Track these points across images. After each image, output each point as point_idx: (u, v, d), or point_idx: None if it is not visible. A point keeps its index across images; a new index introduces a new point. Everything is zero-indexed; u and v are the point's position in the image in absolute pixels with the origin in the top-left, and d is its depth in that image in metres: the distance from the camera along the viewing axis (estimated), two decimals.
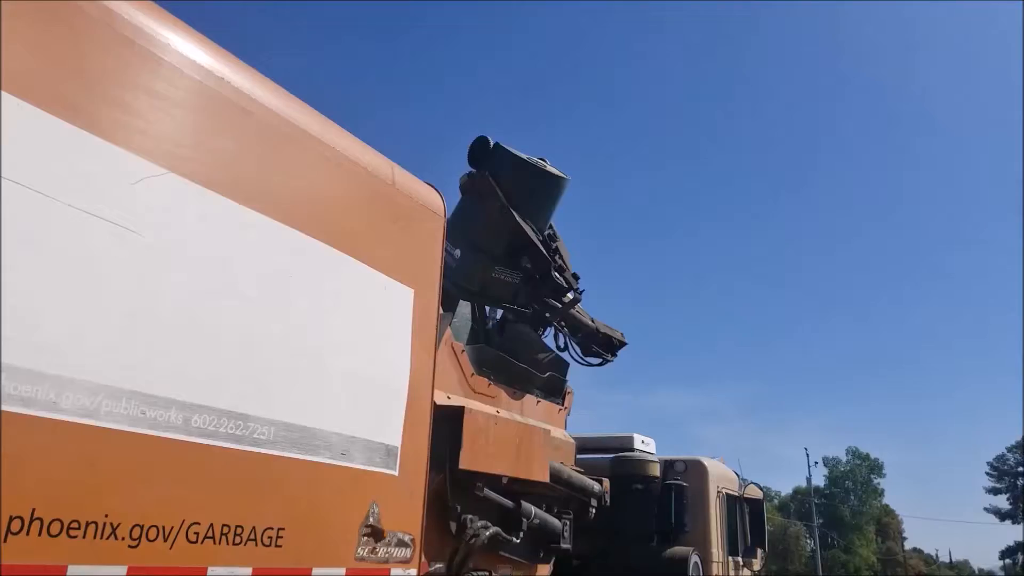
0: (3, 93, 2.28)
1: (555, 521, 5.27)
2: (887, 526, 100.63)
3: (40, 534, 2.24)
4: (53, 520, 2.27)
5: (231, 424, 2.80)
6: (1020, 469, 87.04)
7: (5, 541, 2.15)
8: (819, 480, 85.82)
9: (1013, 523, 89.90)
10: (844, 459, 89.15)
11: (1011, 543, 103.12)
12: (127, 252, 2.54)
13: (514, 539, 4.74)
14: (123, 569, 2.43)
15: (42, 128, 2.38)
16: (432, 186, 4.21)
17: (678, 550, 6.76)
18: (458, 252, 5.96)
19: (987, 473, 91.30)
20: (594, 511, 5.81)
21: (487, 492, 4.49)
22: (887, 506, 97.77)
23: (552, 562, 5.46)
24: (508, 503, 4.72)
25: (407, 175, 4.00)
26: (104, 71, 2.60)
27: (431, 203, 4.10)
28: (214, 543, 2.70)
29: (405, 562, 3.59)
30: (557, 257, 6.04)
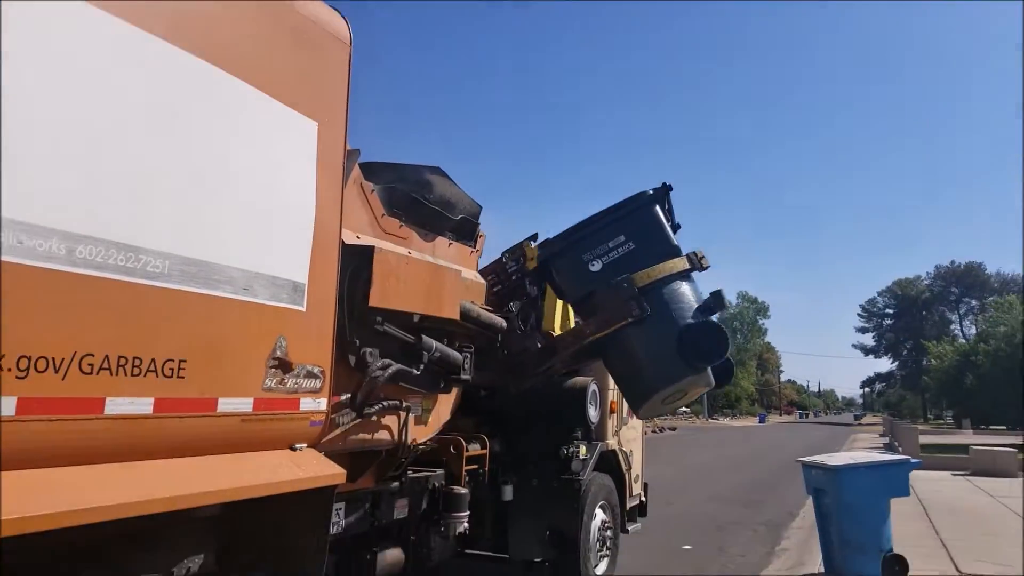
0: None
1: (455, 354, 5.24)
2: (767, 361, 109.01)
3: None
4: None
5: (121, 256, 2.60)
6: (887, 311, 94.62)
7: None
8: None
9: (875, 358, 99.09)
10: (735, 302, 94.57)
11: (871, 375, 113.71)
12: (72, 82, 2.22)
13: (414, 371, 4.73)
14: (12, 400, 2.29)
15: None
16: (337, 11, 3.85)
17: (578, 380, 7.03)
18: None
19: (858, 314, 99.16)
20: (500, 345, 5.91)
21: (387, 327, 4.44)
22: (769, 343, 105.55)
23: (457, 393, 5.56)
24: (409, 338, 4.65)
25: None
26: None
27: (336, 30, 3.75)
28: (111, 374, 2.58)
29: (315, 392, 3.57)
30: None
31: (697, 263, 5.66)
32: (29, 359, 2.33)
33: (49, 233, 2.37)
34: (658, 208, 5.79)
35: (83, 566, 2.74)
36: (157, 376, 2.74)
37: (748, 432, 50.34)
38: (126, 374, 2.63)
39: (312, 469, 3.44)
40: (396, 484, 5.14)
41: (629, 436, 8.14)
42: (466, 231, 5.73)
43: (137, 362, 2.67)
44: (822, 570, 8.02)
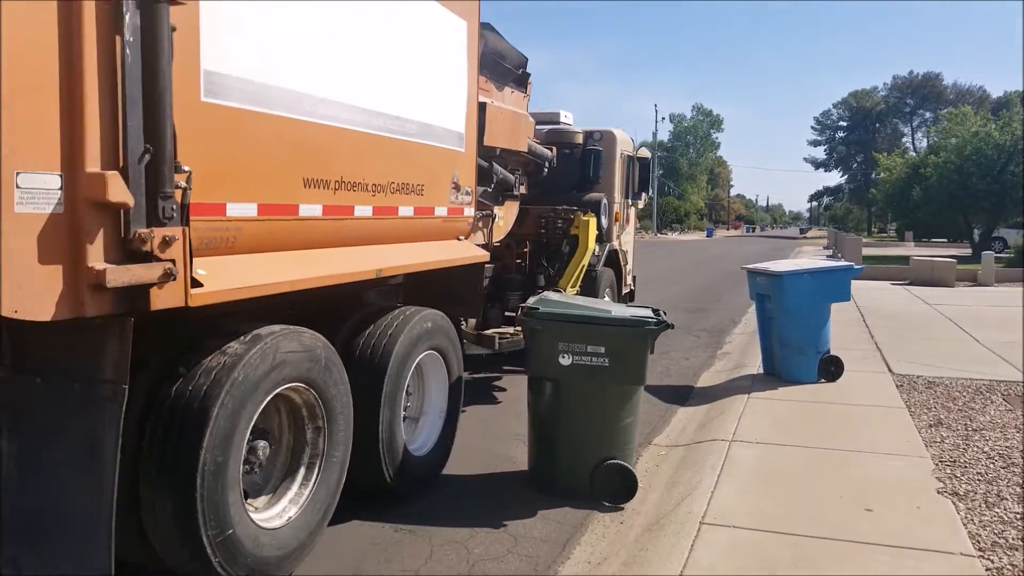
0: None
1: (510, 176, 7.55)
2: (718, 175, 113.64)
3: (327, 188, 4.25)
4: (330, 179, 4.30)
5: (399, 124, 4.84)
6: (841, 123, 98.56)
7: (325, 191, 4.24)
8: (664, 135, 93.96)
9: (826, 171, 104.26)
10: (689, 115, 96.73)
11: (820, 188, 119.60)
12: (349, 15, 4.30)
13: (488, 188, 7.07)
14: (371, 208, 4.61)
15: None
16: None
17: (593, 195, 9.58)
18: None
19: (812, 127, 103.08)
20: (547, 171, 8.32)
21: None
22: (720, 157, 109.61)
23: (516, 206, 7.98)
24: (484, 164, 6.89)
25: None
26: None
27: None
28: (399, 194, 4.91)
29: (468, 204, 5.99)
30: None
31: None
32: (376, 185, 4.64)
33: (359, 111, 4.52)
34: None
35: (346, 307, 5.08)
36: (413, 194, 5.08)
37: (696, 246, 53.89)
38: (403, 193, 4.96)
39: (473, 252, 5.96)
40: None
41: (626, 239, 10.93)
42: (522, 81, 7.89)
43: (406, 185, 4.99)
44: (761, 371, 8.83)
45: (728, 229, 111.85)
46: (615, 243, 10.30)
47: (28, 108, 2.55)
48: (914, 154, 51.65)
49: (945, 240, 50.00)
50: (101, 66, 2.73)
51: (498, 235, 7.58)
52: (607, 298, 9.81)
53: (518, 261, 8.68)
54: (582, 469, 5.13)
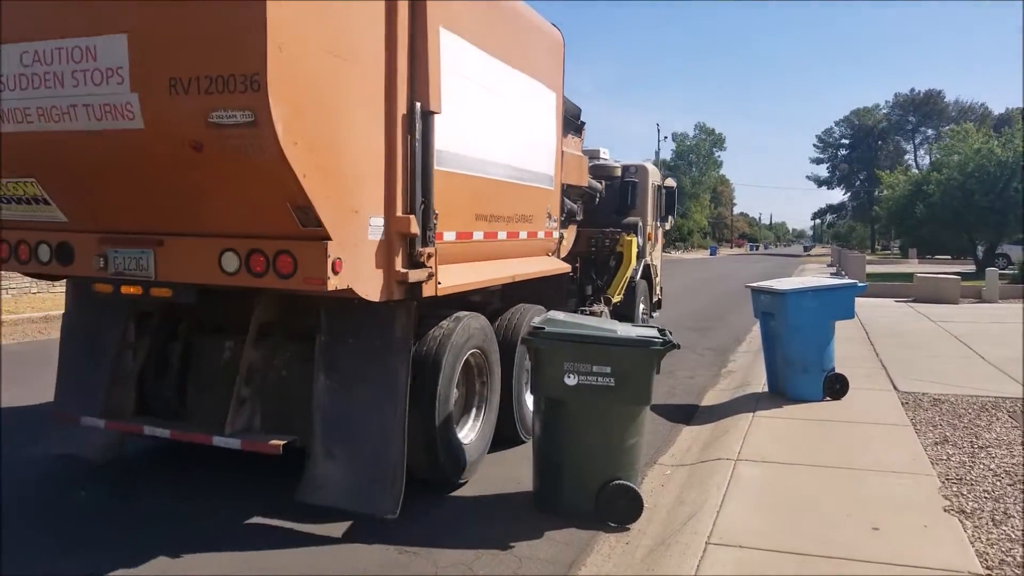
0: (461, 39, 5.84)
1: (572, 204, 9.69)
2: (721, 194, 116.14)
3: (485, 220, 6.37)
4: (486, 214, 6.41)
5: (519, 173, 6.95)
6: (843, 141, 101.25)
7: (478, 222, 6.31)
8: (667, 154, 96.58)
9: (828, 189, 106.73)
10: (692, 134, 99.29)
11: (823, 206, 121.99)
12: (496, 101, 6.41)
13: (561, 216, 9.18)
14: (505, 233, 6.71)
15: (472, 53, 5.96)
16: (555, 26, 7.96)
17: (631, 219, 11.78)
18: None
19: (814, 145, 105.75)
20: (597, 200, 10.48)
21: None
22: (723, 176, 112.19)
23: (575, 228, 10.11)
24: (559, 196, 9.05)
25: (543, 19, 7.67)
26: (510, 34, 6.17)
27: (558, 39, 7.93)
28: (519, 223, 7.01)
29: (556, 228, 8.13)
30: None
31: None
32: (507, 216, 6.74)
33: (506, 167, 6.66)
34: None
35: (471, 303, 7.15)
36: (526, 222, 7.19)
37: (699, 265, 54.66)
38: (518, 222, 7.06)
39: (560, 264, 8.13)
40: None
41: (656, 256, 13.16)
42: (578, 129, 10.04)
43: (519, 216, 7.09)
44: (766, 389, 8.96)
45: (732, 247, 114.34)
46: (648, 259, 12.50)
47: (371, 181, 4.67)
48: (917, 171, 53.20)
49: (949, 257, 50.92)
50: (403, 154, 4.86)
51: (563, 252, 9.68)
52: (642, 305, 11.98)
53: (572, 274, 10.80)
54: (587, 490, 5.21)
